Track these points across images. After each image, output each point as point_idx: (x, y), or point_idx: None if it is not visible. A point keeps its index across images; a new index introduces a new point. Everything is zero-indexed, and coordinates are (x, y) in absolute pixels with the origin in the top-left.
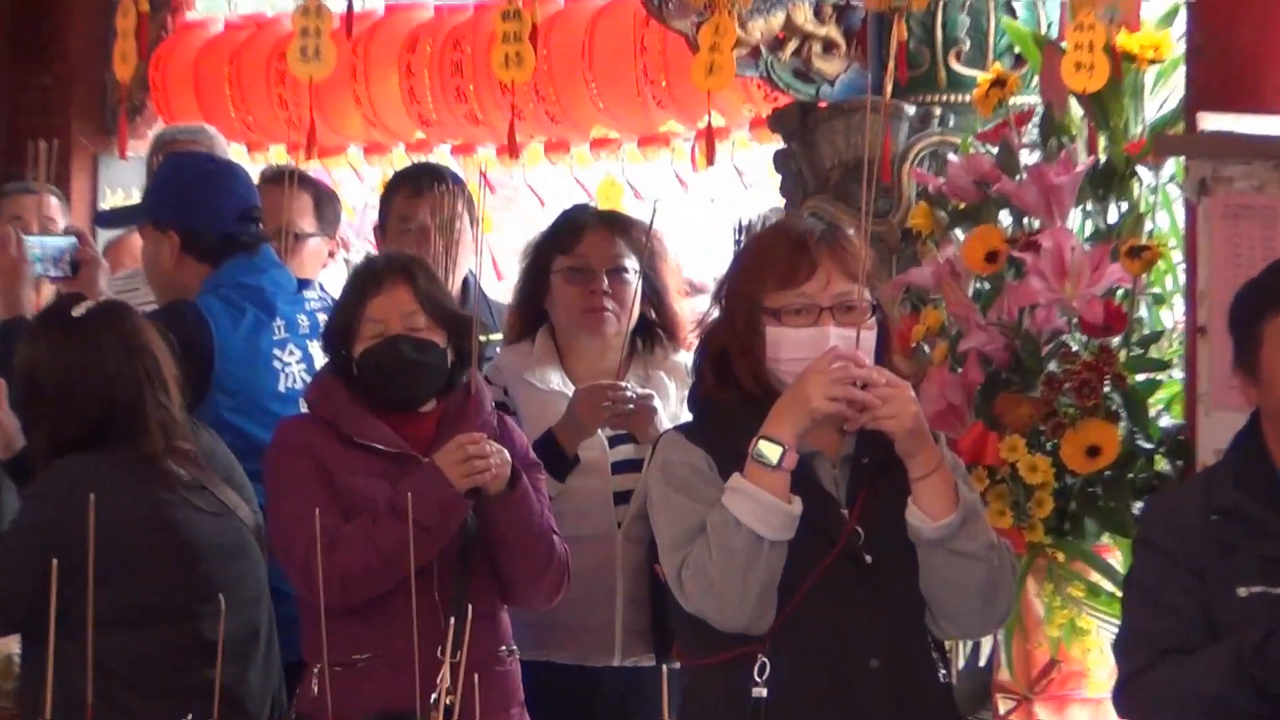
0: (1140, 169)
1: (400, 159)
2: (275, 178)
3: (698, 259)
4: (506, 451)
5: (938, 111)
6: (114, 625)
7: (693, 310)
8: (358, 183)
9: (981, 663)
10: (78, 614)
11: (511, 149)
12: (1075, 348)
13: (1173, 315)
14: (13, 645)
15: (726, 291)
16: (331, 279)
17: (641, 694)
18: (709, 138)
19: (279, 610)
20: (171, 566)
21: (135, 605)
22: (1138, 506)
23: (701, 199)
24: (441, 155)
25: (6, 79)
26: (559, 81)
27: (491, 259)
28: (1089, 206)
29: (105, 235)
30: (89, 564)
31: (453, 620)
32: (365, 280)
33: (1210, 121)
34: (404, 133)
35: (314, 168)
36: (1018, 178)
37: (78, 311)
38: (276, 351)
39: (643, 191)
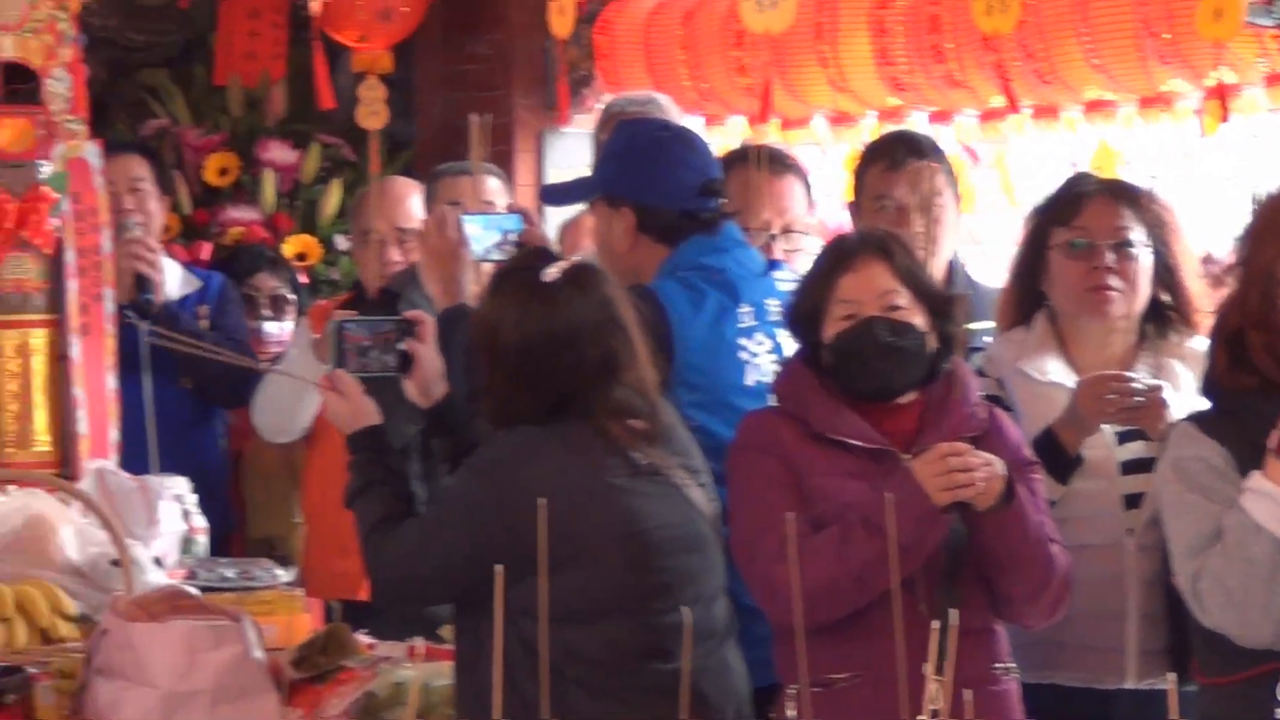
0: None
1: (871, 129)
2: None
3: (1214, 242)
4: (999, 462)
5: None
6: (559, 619)
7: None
8: (821, 157)
9: None
10: (516, 605)
11: (1012, 104)
12: None
13: None
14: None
15: (1240, 262)
16: None
17: None
18: (1219, 96)
19: (749, 628)
20: (624, 558)
21: (583, 598)
22: None
23: (1216, 173)
24: (917, 123)
25: (442, 50)
26: (1049, 35)
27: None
28: None
29: (556, 217)
30: (539, 551)
31: (936, 632)
32: (836, 258)
33: None
34: (875, 99)
35: (774, 141)
36: None
37: (549, 274)
38: (743, 340)
39: (1141, 161)
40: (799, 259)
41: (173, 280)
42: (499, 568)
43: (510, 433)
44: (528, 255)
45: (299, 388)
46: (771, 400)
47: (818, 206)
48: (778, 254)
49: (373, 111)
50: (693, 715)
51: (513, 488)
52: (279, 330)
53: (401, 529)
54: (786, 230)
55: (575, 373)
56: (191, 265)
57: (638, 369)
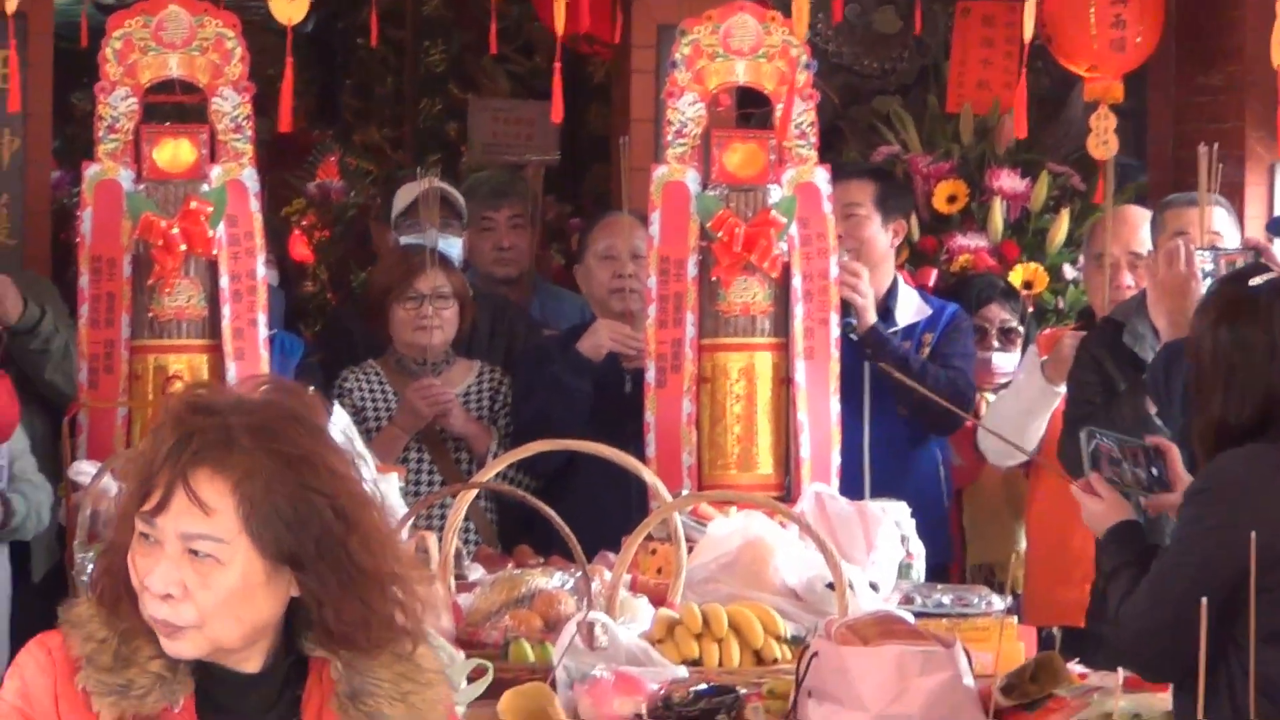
0: None
1: None
2: None
3: None
4: None
5: None
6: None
7: None
8: None
9: None
10: (1242, 630)
11: None
12: None
13: None
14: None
15: None
16: None
17: None
18: None
19: None
20: None
21: None
22: None
23: None
24: None
25: (1174, 81)
26: None
27: None
28: None
29: None
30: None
31: None
32: None
33: None
34: None
35: None
36: None
37: (1254, 281)
38: None
39: None
40: None
41: (907, 306)
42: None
43: (1225, 455)
44: (1242, 270)
45: (1026, 409)
46: None
47: None
48: None
49: (1103, 141)
50: None
51: (1236, 508)
52: (1007, 362)
53: (1138, 589)
54: None
55: (1273, 384)
56: (927, 293)
57: None
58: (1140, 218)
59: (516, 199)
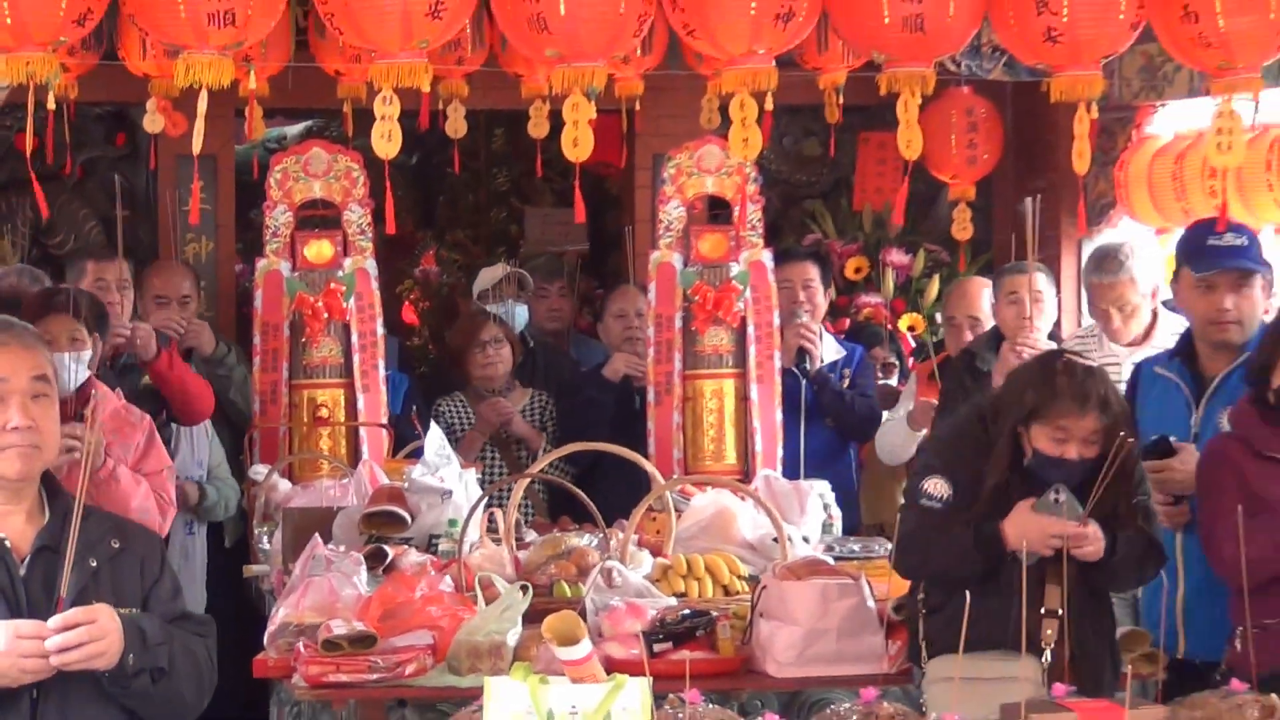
0: None
1: None
2: None
3: None
4: None
5: None
6: None
7: None
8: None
9: None
10: None
11: None
12: None
13: None
14: None
15: None
16: None
17: None
18: None
19: None
20: None
21: None
22: None
23: None
24: None
25: (1012, 183)
26: None
27: None
28: None
29: None
30: None
31: None
32: None
33: None
34: None
35: None
36: None
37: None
38: None
39: None
40: None
41: (828, 348)
42: None
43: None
44: None
45: (905, 436)
46: None
47: None
48: None
49: (962, 227)
50: None
51: None
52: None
53: None
54: None
55: None
56: (837, 336)
57: None
58: (978, 289)
59: (563, 277)
